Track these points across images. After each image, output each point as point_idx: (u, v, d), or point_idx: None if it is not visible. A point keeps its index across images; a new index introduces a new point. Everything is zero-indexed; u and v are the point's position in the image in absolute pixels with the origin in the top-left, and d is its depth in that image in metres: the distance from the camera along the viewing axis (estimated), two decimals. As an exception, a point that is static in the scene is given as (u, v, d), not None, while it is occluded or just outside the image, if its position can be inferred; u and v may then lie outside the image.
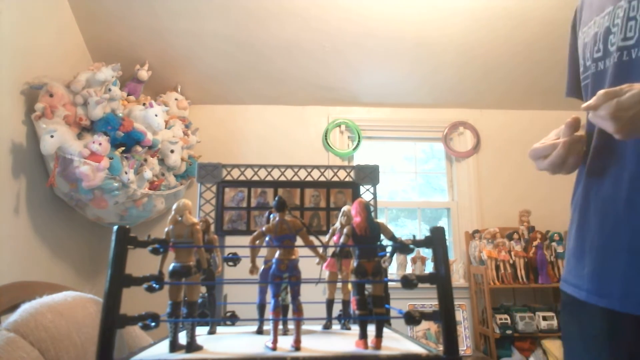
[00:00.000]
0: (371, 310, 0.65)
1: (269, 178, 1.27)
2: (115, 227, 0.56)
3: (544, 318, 2.45)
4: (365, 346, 0.63)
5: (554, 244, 2.59)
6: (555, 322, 2.44)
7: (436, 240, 0.61)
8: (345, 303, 0.88)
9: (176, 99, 2.64)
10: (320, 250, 0.70)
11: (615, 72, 0.70)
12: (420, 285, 0.60)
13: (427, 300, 2.53)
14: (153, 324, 0.55)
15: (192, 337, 0.62)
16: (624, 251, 0.66)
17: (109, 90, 2.06)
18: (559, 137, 0.76)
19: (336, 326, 0.90)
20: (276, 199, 0.67)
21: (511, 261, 2.58)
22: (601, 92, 0.62)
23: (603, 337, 0.69)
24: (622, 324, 0.66)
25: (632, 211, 0.66)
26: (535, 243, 2.61)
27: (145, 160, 2.24)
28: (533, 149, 0.80)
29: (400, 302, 2.44)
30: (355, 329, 0.76)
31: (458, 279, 2.74)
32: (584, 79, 0.81)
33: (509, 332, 2.41)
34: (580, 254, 0.76)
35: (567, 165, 0.76)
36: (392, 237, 0.66)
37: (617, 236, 0.68)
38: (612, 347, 0.68)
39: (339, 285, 0.86)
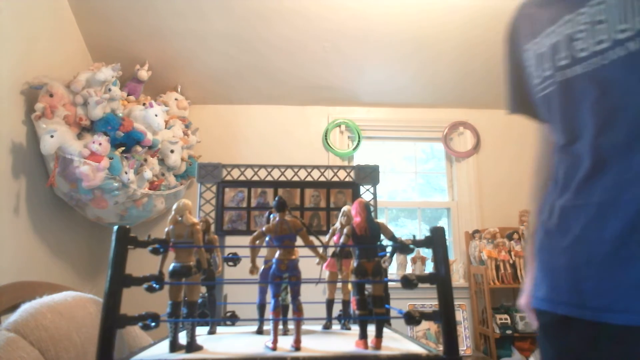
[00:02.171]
0: (371, 310, 0.65)
1: (269, 178, 1.27)
2: (116, 227, 0.56)
3: (544, 318, 2.45)
4: (365, 346, 0.63)
5: (554, 244, 2.59)
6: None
7: (436, 240, 0.61)
8: (345, 303, 0.88)
9: (176, 99, 2.64)
10: (320, 250, 0.70)
11: (596, 75, 0.69)
12: (420, 285, 0.60)
13: (427, 300, 2.53)
14: (153, 324, 0.55)
15: (192, 337, 0.62)
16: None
17: (109, 90, 2.06)
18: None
19: (336, 326, 0.90)
20: (276, 199, 0.67)
21: (511, 261, 2.58)
22: None
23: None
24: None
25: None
26: (535, 243, 2.60)
27: (145, 160, 2.24)
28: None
29: (400, 302, 2.44)
30: (355, 329, 0.76)
31: (458, 279, 2.74)
32: (542, 90, 0.79)
33: (509, 332, 2.41)
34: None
35: None
36: (392, 237, 0.66)
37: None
38: None
39: (339, 285, 0.86)
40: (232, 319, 0.97)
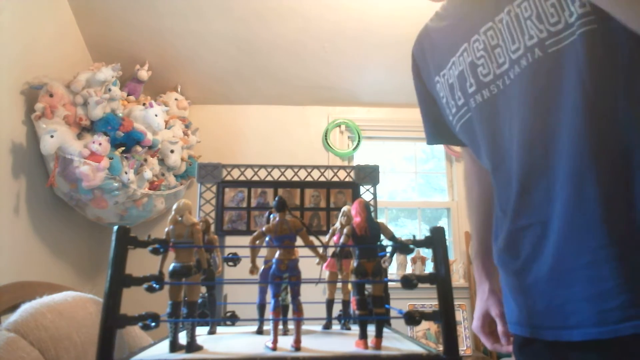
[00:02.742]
0: (371, 310, 0.65)
1: (269, 178, 1.27)
2: (115, 227, 0.56)
3: (544, 318, 2.45)
4: (365, 346, 0.63)
5: (554, 244, 2.59)
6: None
7: (436, 240, 0.61)
8: (345, 303, 0.88)
9: (176, 99, 2.64)
10: (320, 250, 0.70)
11: (503, 96, 0.70)
12: (420, 285, 0.60)
13: (427, 300, 2.53)
14: (153, 324, 0.55)
15: (192, 337, 0.62)
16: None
17: (109, 90, 2.06)
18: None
19: (336, 326, 0.90)
20: (276, 199, 0.67)
21: (511, 261, 2.58)
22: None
23: None
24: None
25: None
26: (535, 243, 2.60)
27: (145, 160, 2.24)
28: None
29: (400, 302, 2.44)
30: (355, 329, 0.76)
31: (458, 279, 2.74)
32: (459, 119, 0.80)
33: (509, 332, 2.41)
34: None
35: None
36: (392, 237, 0.66)
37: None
38: None
39: (339, 285, 0.86)
40: (232, 319, 0.97)
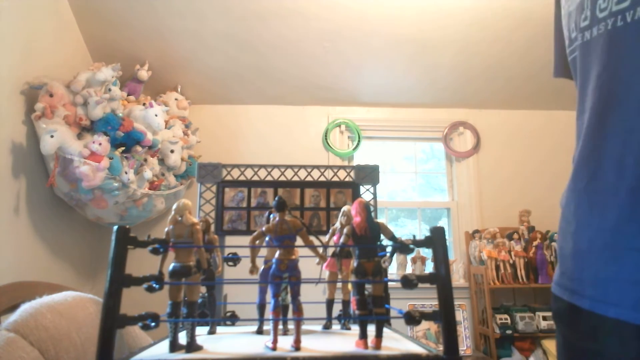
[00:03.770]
0: (371, 310, 0.65)
1: (269, 178, 1.27)
2: (115, 227, 0.56)
3: (544, 318, 2.45)
4: (365, 346, 0.63)
5: (554, 243, 2.59)
6: (555, 322, 2.44)
7: (436, 240, 0.61)
8: (345, 303, 0.88)
9: (176, 99, 2.64)
10: (320, 250, 0.70)
11: (607, 41, 0.62)
12: (420, 285, 0.60)
13: (427, 300, 2.53)
14: (153, 324, 0.55)
15: (192, 337, 0.62)
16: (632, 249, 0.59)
17: (109, 90, 2.06)
18: None
19: (336, 326, 0.90)
20: (276, 199, 0.67)
21: (511, 261, 2.58)
22: None
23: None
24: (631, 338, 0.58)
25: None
26: (535, 243, 2.61)
27: (145, 160, 2.24)
28: None
29: (400, 302, 2.44)
30: (355, 329, 0.76)
31: (458, 279, 2.74)
32: (571, 53, 0.73)
33: (509, 332, 2.41)
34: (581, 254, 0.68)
35: None
36: (392, 237, 0.66)
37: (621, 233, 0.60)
38: None
39: (339, 285, 0.86)
40: (232, 319, 0.97)
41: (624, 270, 0.59)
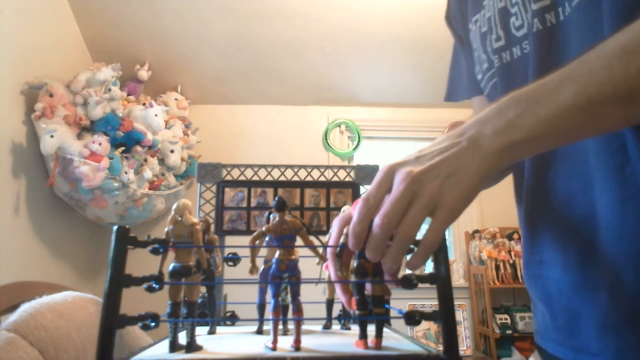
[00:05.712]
0: (371, 310, 0.65)
1: (269, 178, 1.27)
2: (115, 227, 0.56)
3: (544, 318, 2.45)
4: (365, 346, 0.63)
5: (554, 244, 2.59)
6: (555, 322, 2.45)
7: (436, 240, 0.61)
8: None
9: (176, 99, 2.64)
10: (320, 250, 0.70)
11: (539, 54, 0.56)
12: (420, 285, 0.60)
13: (427, 300, 2.53)
14: (153, 324, 0.55)
15: (192, 337, 0.62)
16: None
17: (109, 90, 2.06)
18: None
19: (336, 326, 0.90)
20: (276, 199, 0.67)
21: (511, 261, 2.58)
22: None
23: None
24: None
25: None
26: (535, 243, 2.61)
27: (145, 160, 2.24)
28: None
29: (400, 302, 2.44)
30: (355, 329, 0.76)
31: (458, 279, 2.74)
32: (491, 78, 0.66)
33: (509, 332, 2.41)
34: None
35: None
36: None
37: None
38: None
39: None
40: (232, 319, 0.97)
41: (596, 314, 0.53)
